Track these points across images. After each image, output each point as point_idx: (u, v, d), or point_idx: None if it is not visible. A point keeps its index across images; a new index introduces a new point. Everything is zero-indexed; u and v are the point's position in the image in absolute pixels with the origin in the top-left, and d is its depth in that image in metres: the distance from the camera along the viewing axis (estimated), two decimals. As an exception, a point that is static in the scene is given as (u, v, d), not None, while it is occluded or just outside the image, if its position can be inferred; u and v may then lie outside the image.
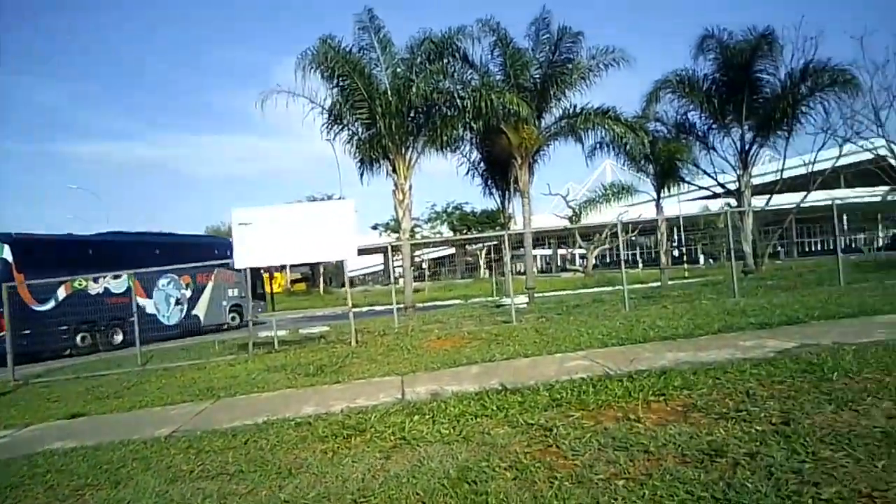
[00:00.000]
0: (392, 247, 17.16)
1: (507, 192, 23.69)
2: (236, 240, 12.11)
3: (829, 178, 28.46)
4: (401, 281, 21.87)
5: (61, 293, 17.57)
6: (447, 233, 58.37)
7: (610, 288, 24.00)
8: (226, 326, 22.69)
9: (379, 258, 71.26)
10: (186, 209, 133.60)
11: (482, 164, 23.50)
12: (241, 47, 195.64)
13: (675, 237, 49.09)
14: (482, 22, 20.01)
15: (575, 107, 20.80)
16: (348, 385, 7.63)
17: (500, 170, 22.60)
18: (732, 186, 26.25)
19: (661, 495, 3.28)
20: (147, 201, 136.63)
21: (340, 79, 19.17)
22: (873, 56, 40.13)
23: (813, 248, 62.58)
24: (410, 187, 20.44)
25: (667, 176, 25.30)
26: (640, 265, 51.39)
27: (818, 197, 27.09)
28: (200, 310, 21.92)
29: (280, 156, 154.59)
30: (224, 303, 23.13)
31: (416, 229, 54.15)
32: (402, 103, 19.15)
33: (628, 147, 22.36)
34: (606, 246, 48.90)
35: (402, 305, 18.87)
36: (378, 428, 5.20)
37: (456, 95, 19.69)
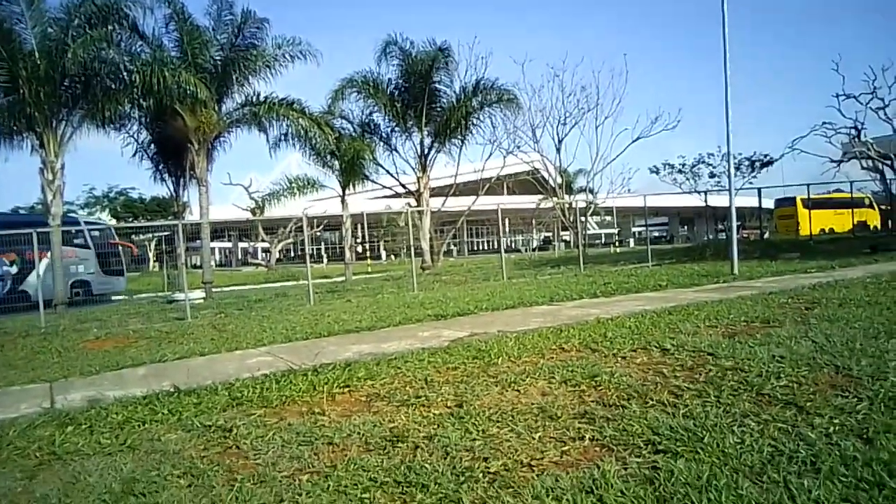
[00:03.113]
0: (38, 234, 14.81)
1: (182, 179, 22.14)
2: None
3: (495, 185, 32.01)
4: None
5: None
6: (108, 220, 52.55)
7: (294, 282, 23.86)
8: (67, 302, 19.88)
9: (25, 248, 61.33)
10: None
11: (153, 147, 21.64)
12: None
13: (360, 234, 50.83)
14: None
15: (259, 95, 20.28)
16: (-24, 397, 6.27)
17: (174, 154, 21.01)
18: (413, 187, 27.83)
19: (346, 485, 3.21)
20: None
21: (-33, 31, 15.88)
22: (532, 80, 46.38)
23: (481, 248, 69.95)
24: (63, 167, 17.75)
25: (352, 173, 25.69)
26: (326, 260, 52.14)
27: (486, 202, 30.27)
28: (30, 286, 19.49)
29: None
30: (65, 279, 20.70)
31: (70, 215, 47.97)
32: (53, 69, 16.61)
33: (314, 142, 22.49)
34: (291, 240, 48.68)
35: (55, 302, 16.46)
36: (19, 444, 4.32)
37: (122, 68, 17.77)
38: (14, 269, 20.54)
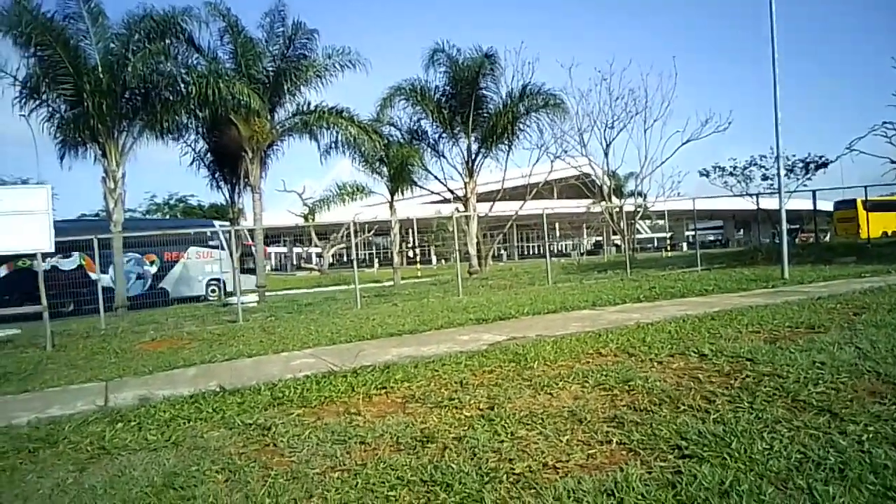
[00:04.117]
0: (100, 240, 15.49)
1: (237, 186, 22.78)
2: None
3: (543, 190, 31.82)
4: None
5: (2, 270, 19.82)
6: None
7: (345, 287, 24.24)
8: (203, 299, 24.05)
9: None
10: None
11: (210, 156, 22.35)
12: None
13: (411, 238, 51.24)
14: (211, 5, 19.00)
15: (310, 104, 20.74)
16: (39, 394, 6.62)
17: (229, 162, 21.67)
18: (460, 193, 27.88)
19: (374, 482, 3.31)
20: None
21: (39, 48, 16.74)
22: (579, 85, 46.04)
23: (529, 252, 69.55)
24: (124, 175, 18.55)
25: (400, 179, 25.81)
26: (377, 265, 52.71)
27: (534, 206, 30.11)
28: (169, 283, 23.78)
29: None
30: (200, 278, 24.93)
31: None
32: (115, 82, 17.38)
33: (363, 149, 22.79)
34: (342, 245, 49.36)
35: (115, 305, 17.17)
36: (73, 439, 4.58)
37: (180, 80, 18.44)
38: (153, 269, 23.38)
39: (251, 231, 22.41)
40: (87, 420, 5.07)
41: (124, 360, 8.64)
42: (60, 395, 6.42)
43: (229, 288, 23.98)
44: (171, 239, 22.83)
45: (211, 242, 24.68)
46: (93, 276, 18.76)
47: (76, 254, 19.51)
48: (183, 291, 24.17)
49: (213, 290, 24.96)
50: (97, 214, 48.43)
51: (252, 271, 25.49)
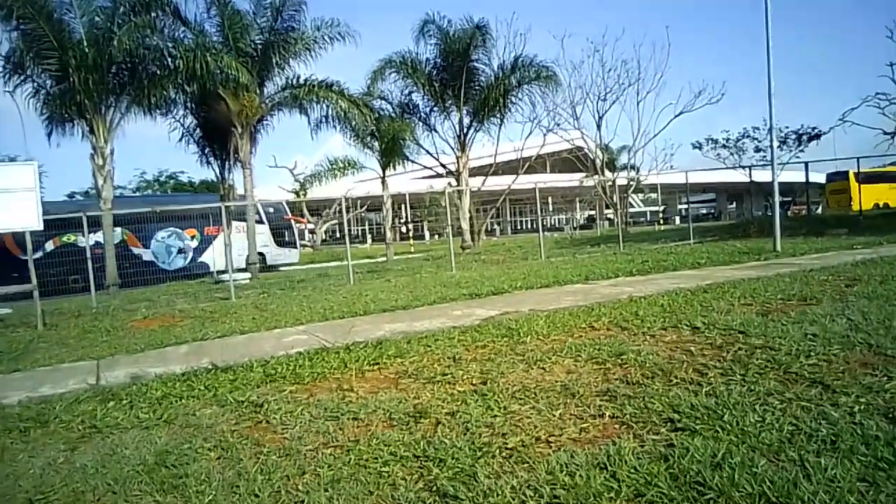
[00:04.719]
0: (89, 217, 15.35)
1: (227, 162, 22.55)
2: None
3: (536, 164, 31.68)
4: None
5: (49, 246, 19.74)
6: (160, 203, 54.03)
7: (337, 263, 24.19)
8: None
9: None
10: None
11: (199, 131, 22.09)
12: None
13: (404, 214, 51.08)
14: None
15: (299, 77, 20.49)
16: (30, 373, 6.58)
17: (219, 137, 21.44)
18: (453, 167, 27.73)
19: (367, 458, 3.31)
20: None
21: (21, 21, 16.39)
22: (571, 56, 45.73)
23: (522, 227, 69.50)
24: (112, 152, 18.33)
25: (392, 154, 25.59)
26: (370, 240, 52.63)
27: (527, 180, 29.99)
28: (210, 257, 23.64)
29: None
30: (241, 252, 23.74)
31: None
32: (101, 57, 17.05)
33: (354, 123, 22.59)
34: (335, 221, 49.17)
35: (107, 284, 17.08)
36: (64, 418, 4.55)
37: (166, 53, 18.17)
38: (194, 243, 23.91)
39: (273, 204, 22.46)
40: (79, 399, 5.04)
41: (116, 338, 8.60)
42: (51, 374, 6.38)
43: (269, 261, 24.41)
44: (211, 213, 22.53)
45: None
46: (135, 250, 19.83)
47: (118, 229, 19.57)
48: (218, 266, 23.64)
49: (252, 264, 24.80)
50: (86, 192, 48.12)
51: (292, 244, 26.85)
